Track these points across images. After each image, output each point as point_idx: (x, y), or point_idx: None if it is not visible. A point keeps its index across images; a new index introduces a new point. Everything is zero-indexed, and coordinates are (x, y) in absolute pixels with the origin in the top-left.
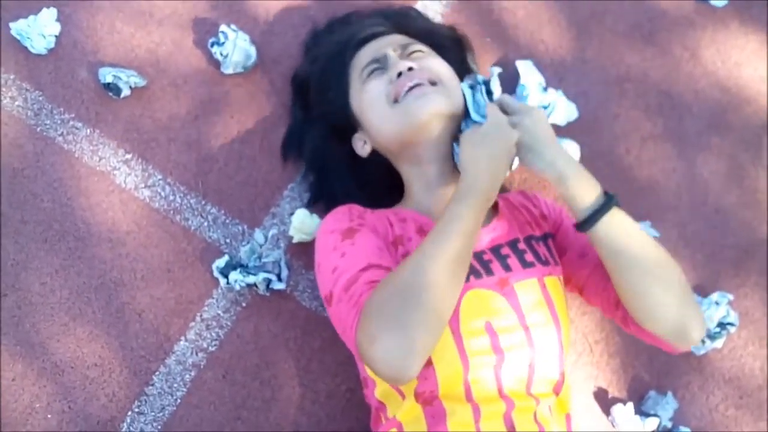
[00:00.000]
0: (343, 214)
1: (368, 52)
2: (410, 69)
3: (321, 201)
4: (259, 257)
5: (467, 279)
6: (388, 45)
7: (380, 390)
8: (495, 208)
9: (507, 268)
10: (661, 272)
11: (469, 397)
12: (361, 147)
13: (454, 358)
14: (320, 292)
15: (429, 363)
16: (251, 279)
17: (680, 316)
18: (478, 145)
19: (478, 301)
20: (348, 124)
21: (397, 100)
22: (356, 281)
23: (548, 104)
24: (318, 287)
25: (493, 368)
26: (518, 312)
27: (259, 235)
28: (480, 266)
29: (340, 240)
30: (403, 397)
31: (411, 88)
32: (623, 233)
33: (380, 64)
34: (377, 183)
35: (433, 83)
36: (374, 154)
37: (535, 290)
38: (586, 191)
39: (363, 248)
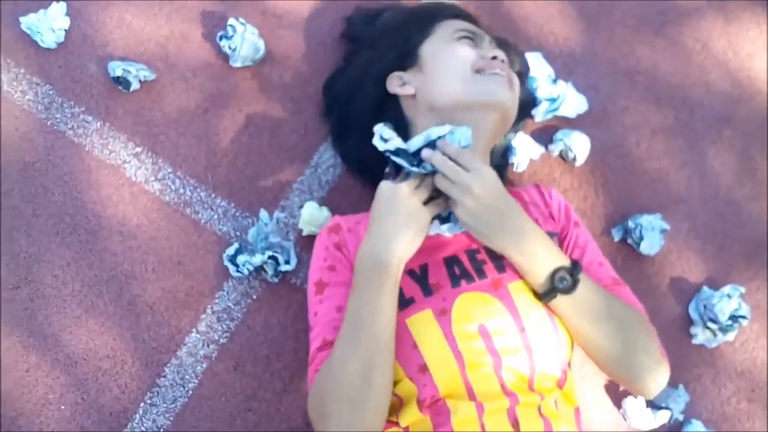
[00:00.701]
0: (321, 248)
1: (466, 25)
2: (503, 61)
3: (346, 157)
4: (266, 237)
5: (458, 284)
6: (486, 34)
7: None
8: None
9: (501, 268)
10: (616, 333)
11: (471, 395)
12: (398, 86)
13: (449, 361)
14: None
15: (425, 370)
16: (257, 259)
17: (633, 370)
18: (372, 218)
19: (470, 305)
20: (402, 57)
21: (479, 72)
22: (312, 362)
23: (557, 96)
24: None
25: (492, 366)
26: (514, 313)
27: (263, 214)
28: (472, 269)
29: (313, 293)
30: (403, 403)
31: (496, 74)
32: (578, 307)
33: (474, 39)
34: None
35: (512, 85)
36: (399, 110)
37: (529, 290)
38: (535, 275)
39: (327, 313)
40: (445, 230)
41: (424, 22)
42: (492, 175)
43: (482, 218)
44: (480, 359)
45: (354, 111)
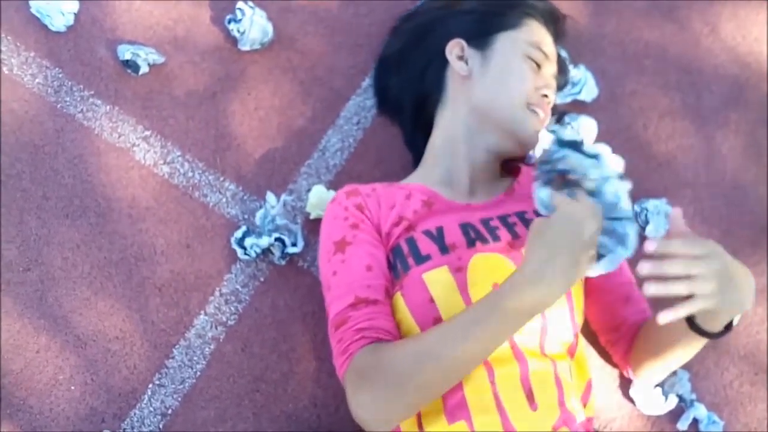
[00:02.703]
0: (340, 209)
1: (547, 41)
2: (549, 102)
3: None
4: (273, 220)
5: (474, 245)
6: (555, 63)
7: None
8: (514, 175)
9: (515, 235)
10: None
11: None
12: (456, 55)
13: None
14: None
15: (440, 323)
16: (264, 241)
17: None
18: (544, 238)
19: (485, 264)
20: (476, 31)
21: (529, 104)
22: (345, 322)
23: (579, 80)
24: None
25: None
26: None
27: (270, 196)
28: (487, 232)
29: (332, 252)
30: None
31: (536, 113)
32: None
33: (541, 64)
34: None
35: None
36: (441, 78)
37: None
38: (729, 319)
39: (353, 270)
40: (596, 269)
41: (517, 10)
42: (716, 245)
43: (726, 293)
44: None
45: (409, 54)
